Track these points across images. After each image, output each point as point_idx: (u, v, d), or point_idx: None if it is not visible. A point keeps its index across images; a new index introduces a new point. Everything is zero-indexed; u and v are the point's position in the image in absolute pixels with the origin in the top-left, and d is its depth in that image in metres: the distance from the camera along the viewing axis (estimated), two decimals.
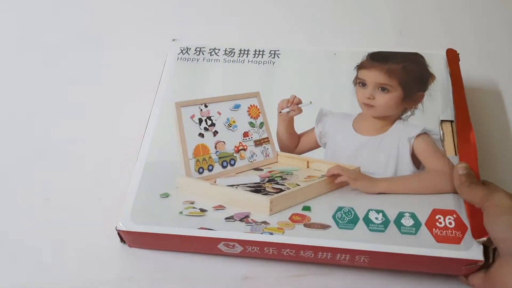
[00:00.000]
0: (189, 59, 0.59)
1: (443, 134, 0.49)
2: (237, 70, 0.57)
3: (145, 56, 0.67)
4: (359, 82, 0.54)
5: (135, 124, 0.54)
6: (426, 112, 0.51)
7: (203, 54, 0.59)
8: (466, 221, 0.43)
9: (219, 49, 0.59)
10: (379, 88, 0.53)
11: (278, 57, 0.58)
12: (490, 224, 0.40)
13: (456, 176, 0.44)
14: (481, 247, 0.42)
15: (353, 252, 0.44)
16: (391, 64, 0.54)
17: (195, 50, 0.59)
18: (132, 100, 0.62)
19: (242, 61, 0.58)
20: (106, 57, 0.69)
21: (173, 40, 0.61)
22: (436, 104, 0.52)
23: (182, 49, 0.60)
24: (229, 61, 0.58)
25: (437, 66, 0.54)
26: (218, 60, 0.58)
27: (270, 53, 0.59)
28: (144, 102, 0.56)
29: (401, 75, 0.53)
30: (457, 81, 0.52)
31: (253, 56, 0.58)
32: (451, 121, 0.51)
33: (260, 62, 0.58)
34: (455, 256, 0.42)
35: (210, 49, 0.60)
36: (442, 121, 0.50)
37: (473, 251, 0.42)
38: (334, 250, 0.44)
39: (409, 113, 0.52)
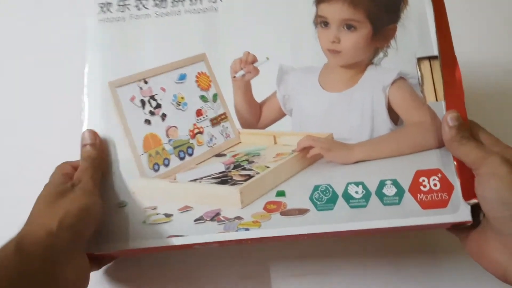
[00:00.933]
0: (112, 19, 0.48)
1: (421, 76, 0.43)
2: (173, 26, 0.47)
3: (62, 21, 0.56)
4: (321, 22, 0.45)
5: (67, 122, 0.46)
6: (400, 50, 0.44)
7: (128, 9, 0.48)
8: (452, 180, 0.40)
9: (147, 0, 0.48)
10: (344, 26, 0.44)
11: (221, 1, 0.48)
12: (483, 197, 0.37)
13: (446, 128, 0.39)
14: (469, 207, 0.39)
15: (336, 234, 0.41)
16: None
17: (118, 4, 0.48)
18: (59, 89, 0.53)
19: (178, 12, 0.48)
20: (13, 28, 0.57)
21: None
22: (412, 37, 0.44)
23: (101, 5, 0.48)
24: (161, 14, 0.48)
25: None
26: (148, 15, 0.48)
27: None
28: (74, 88, 0.47)
29: (368, 4, 0.45)
30: (438, 4, 0.44)
31: (190, 2, 0.48)
32: (430, 58, 0.44)
33: (200, 10, 0.47)
34: (442, 221, 0.40)
35: (136, 1, 0.48)
36: (419, 59, 0.44)
37: (460, 213, 0.39)
38: (316, 235, 0.41)
39: (381, 54, 0.45)
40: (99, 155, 0.42)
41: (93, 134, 0.43)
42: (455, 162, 0.40)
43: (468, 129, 0.39)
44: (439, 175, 0.41)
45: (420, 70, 0.44)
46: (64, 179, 0.41)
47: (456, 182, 0.40)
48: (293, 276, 0.46)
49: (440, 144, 0.41)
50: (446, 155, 0.41)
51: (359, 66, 0.45)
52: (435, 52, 0.43)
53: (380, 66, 0.44)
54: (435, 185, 0.40)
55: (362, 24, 0.44)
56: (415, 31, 0.44)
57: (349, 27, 0.44)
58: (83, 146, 0.42)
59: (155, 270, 0.48)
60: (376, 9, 0.45)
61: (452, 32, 0.43)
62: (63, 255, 0.36)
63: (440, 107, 0.42)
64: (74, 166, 0.43)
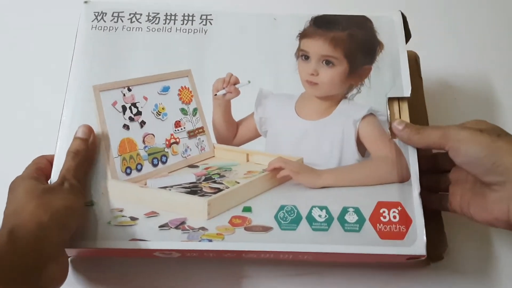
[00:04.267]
0: (105, 28, 0.50)
1: (390, 114, 0.46)
2: (163, 41, 0.49)
3: (53, 23, 0.58)
4: (302, 55, 0.48)
5: (47, 117, 0.46)
6: (373, 88, 0.48)
7: (122, 20, 0.50)
8: (410, 214, 0.42)
9: (140, 14, 0.51)
10: (323, 62, 0.48)
11: (211, 24, 0.50)
12: (462, 163, 0.40)
13: (399, 133, 0.43)
14: (424, 241, 0.41)
15: (296, 254, 0.42)
16: (336, 32, 0.49)
17: (112, 15, 0.50)
18: (42, 84, 0.54)
19: (169, 29, 0.50)
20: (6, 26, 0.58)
21: (85, 2, 0.51)
22: (384, 78, 0.48)
23: (96, 14, 0.50)
24: (153, 29, 0.50)
25: (386, 32, 0.49)
26: (140, 29, 0.50)
27: (201, 18, 0.51)
28: (57, 86, 0.48)
29: (347, 44, 0.48)
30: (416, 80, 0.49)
31: (182, 22, 0.50)
32: (399, 98, 0.47)
33: (190, 30, 0.50)
34: (398, 252, 0.41)
35: (130, 14, 0.51)
36: (389, 98, 0.47)
37: (416, 247, 0.41)
38: (277, 253, 0.42)
39: (355, 90, 0.48)
40: (86, 153, 0.42)
41: (88, 129, 0.43)
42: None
43: (414, 125, 0.43)
44: (399, 208, 0.43)
45: (389, 109, 0.47)
46: (38, 174, 0.41)
47: (415, 217, 0.42)
48: (289, 276, 0.46)
49: (403, 179, 0.44)
50: (407, 190, 0.43)
51: (333, 99, 0.47)
52: (404, 93, 0.47)
53: (353, 101, 0.47)
54: (394, 217, 0.42)
55: (340, 61, 0.48)
56: (387, 73, 0.48)
57: (328, 62, 0.47)
58: (75, 138, 0.43)
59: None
60: (354, 50, 0.48)
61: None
62: (51, 249, 0.36)
63: (405, 145, 0.45)
64: (49, 160, 0.43)
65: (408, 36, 0.50)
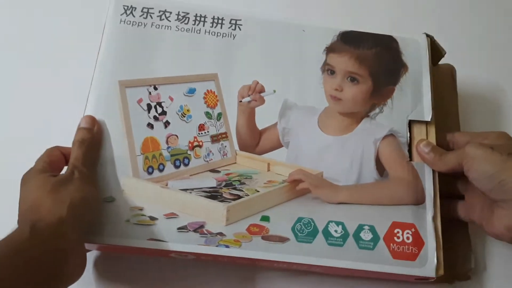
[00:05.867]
0: (134, 23, 0.50)
1: (411, 137, 0.47)
2: (191, 42, 0.49)
3: (81, 15, 0.57)
4: (328, 69, 0.49)
5: (70, 109, 0.46)
6: (395, 110, 0.48)
7: (151, 17, 0.50)
8: (423, 236, 0.43)
9: (170, 12, 0.50)
10: (348, 78, 0.48)
11: (240, 29, 0.51)
12: (473, 179, 0.41)
13: (424, 156, 0.45)
14: (434, 264, 0.42)
15: (310, 266, 0.43)
16: (363, 49, 0.49)
17: (142, 10, 0.50)
18: (67, 76, 0.53)
19: (198, 31, 0.50)
20: (33, 19, 0.58)
21: None
22: (406, 100, 0.49)
23: (125, 8, 0.50)
24: (182, 29, 0.50)
25: (411, 54, 0.50)
26: (169, 27, 0.50)
27: (230, 22, 0.51)
28: (81, 78, 0.47)
29: (373, 63, 0.49)
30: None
31: (211, 25, 0.50)
32: (426, 123, 0.48)
33: (218, 33, 0.50)
34: (409, 273, 0.42)
35: (160, 11, 0.50)
36: (411, 121, 0.48)
37: (426, 269, 0.42)
38: (291, 264, 0.43)
39: (377, 110, 0.48)
40: (92, 141, 0.42)
41: (92, 119, 0.44)
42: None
43: (438, 148, 0.45)
44: (413, 229, 0.44)
45: (411, 131, 0.48)
46: (50, 167, 0.41)
47: (427, 240, 0.43)
48: (293, 276, 0.47)
49: (418, 202, 0.45)
50: (422, 213, 0.44)
51: (356, 116, 0.48)
52: (425, 117, 0.48)
53: (375, 120, 0.48)
54: (407, 238, 0.43)
55: (364, 79, 0.48)
56: (410, 95, 0.49)
57: (353, 79, 0.48)
58: (78, 129, 0.43)
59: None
60: (379, 70, 0.49)
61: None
62: (71, 242, 0.36)
63: (422, 168, 0.46)
64: (63, 152, 0.43)
65: (439, 55, 0.51)
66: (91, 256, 0.47)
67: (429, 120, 0.48)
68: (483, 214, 0.43)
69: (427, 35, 0.52)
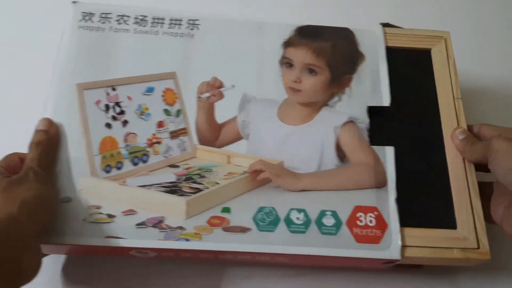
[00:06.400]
0: (92, 28, 0.50)
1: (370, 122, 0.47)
2: (150, 44, 0.50)
3: (39, 22, 0.58)
4: (286, 63, 0.49)
5: (28, 111, 0.46)
6: (353, 97, 0.49)
7: (109, 22, 0.51)
8: (386, 219, 0.43)
9: (128, 16, 0.51)
10: (307, 70, 0.49)
11: (198, 29, 0.51)
12: (495, 171, 0.42)
13: (457, 141, 0.46)
14: (399, 245, 0.42)
15: (273, 255, 0.42)
16: (320, 42, 0.50)
17: (100, 16, 0.51)
18: (24, 79, 0.54)
19: (156, 32, 0.51)
20: None
21: (73, 2, 0.52)
22: (364, 88, 0.49)
23: (84, 14, 0.51)
24: (140, 31, 0.51)
25: (367, 44, 0.51)
26: (127, 30, 0.51)
27: (188, 23, 0.52)
28: (39, 82, 0.47)
29: (330, 54, 0.50)
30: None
31: (169, 26, 0.51)
32: (454, 98, 0.49)
33: (177, 34, 0.51)
34: (373, 256, 0.42)
35: (118, 16, 0.51)
36: (445, 100, 0.49)
37: (391, 251, 0.42)
38: (253, 254, 0.42)
39: (336, 98, 0.49)
40: (48, 142, 0.42)
41: (48, 121, 0.44)
42: None
43: (473, 137, 0.45)
44: (376, 213, 0.43)
45: (447, 110, 0.48)
46: (6, 171, 0.40)
47: (390, 222, 0.43)
48: (288, 277, 0.47)
49: (380, 185, 0.44)
50: (384, 195, 0.44)
51: (315, 106, 0.48)
52: (383, 103, 0.48)
53: (334, 108, 0.48)
54: (370, 221, 0.43)
55: (322, 70, 0.49)
56: (368, 83, 0.49)
57: (311, 71, 0.49)
58: (35, 131, 0.43)
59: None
60: (336, 60, 0.50)
61: None
62: (24, 240, 0.35)
63: (383, 151, 0.46)
64: (21, 157, 0.43)
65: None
66: (58, 261, 0.46)
67: (389, 105, 0.48)
68: (505, 213, 0.43)
69: (383, 24, 0.53)
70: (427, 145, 0.48)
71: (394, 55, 0.51)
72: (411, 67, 0.52)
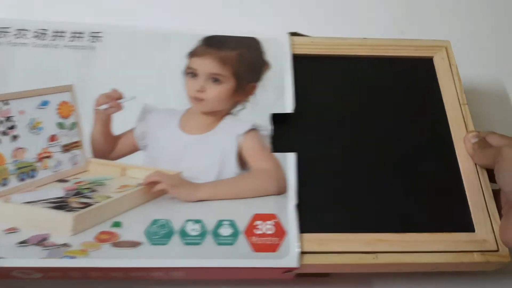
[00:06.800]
0: None
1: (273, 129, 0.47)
2: (48, 57, 0.48)
3: None
4: (190, 72, 0.49)
5: None
6: (257, 105, 0.48)
7: (6, 36, 0.49)
8: (285, 226, 0.42)
9: (28, 30, 0.50)
10: (211, 79, 0.48)
11: (100, 41, 0.50)
12: (498, 178, 0.41)
13: (469, 145, 0.46)
14: (297, 253, 0.40)
15: (167, 269, 0.40)
16: (226, 51, 0.50)
17: None
18: None
19: (55, 46, 0.49)
20: None
21: None
22: (269, 95, 0.49)
23: None
24: (39, 45, 0.49)
25: (273, 52, 0.51)
26: (25, 44, 0.49)
27: (90, 35, 0.51)
28: None
29: (236, 64, 0.49)
30: None
31: (70, 39, 0.50)
32: (460, 103, 0.50)
33: (77, 47, 0.50)
34: (270, 265, 0.40)
35: (17, 30, 0.50)
36: (452, 106, 0.50)
37: (288, 259, 0.40)
38: (146, 270, 0.40)
39: (240, 107, 0.48)
40: None
41: None
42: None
43: (485, 141, 0.45)
44: (274, 220, 0.42)
45: (453, 114, 0.49)
46: None
47: (289, 229, 0.41)
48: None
49: (280, 192, 0.43)
50: (284, 202, 0.43)
51: (218, 114, 0.47)
52: (287, 110, 0.48)
53: (237, 116, 0.47)
54: (269, 229, 0.42)
55: (227, 79, 0.48)
56: (272, 90, 0.49)
57: (215, 80, 0.48)
58: None
59: None
60: (242, 69, 0.49)
61: None
62: None
63: (284, 158, 0.45)
64: None
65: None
66: None
67: (292, 111, 0.47)
68: (502, 221, 0.43)
69: (291, 34, 0.53)
70: (437, 150, 0.48)
71: (398, 64, 0.53)
72: (414, 75, 0.52)
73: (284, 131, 0.47)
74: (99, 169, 0.45)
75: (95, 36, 0.51)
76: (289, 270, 0.41)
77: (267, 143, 0.46)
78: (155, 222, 0.41)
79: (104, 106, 0.46)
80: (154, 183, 0.43)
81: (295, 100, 0.48)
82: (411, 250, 0.42)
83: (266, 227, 0.42)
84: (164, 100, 0.48)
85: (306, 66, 0.51)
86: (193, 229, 0.41)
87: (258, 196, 0.43)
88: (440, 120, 0.49)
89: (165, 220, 0.41)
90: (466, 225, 0.43)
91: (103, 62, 0.49)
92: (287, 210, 0.42)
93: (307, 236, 0.42)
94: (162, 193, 0.43)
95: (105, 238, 0.40)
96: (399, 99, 0.51)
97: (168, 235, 0.41)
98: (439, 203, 0.45)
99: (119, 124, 0.46)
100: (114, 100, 0.47)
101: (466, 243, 0.42)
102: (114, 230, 0.40)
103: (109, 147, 0.45)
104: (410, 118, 0.50)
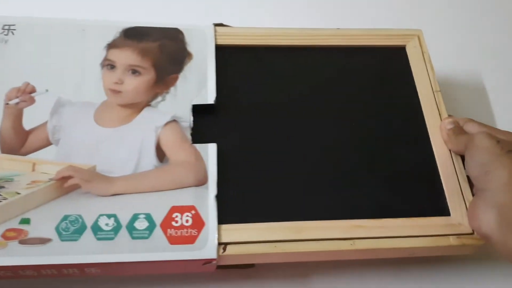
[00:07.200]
0: None
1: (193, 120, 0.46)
2: None
3: None
4: (108, 64, 0.47)
5: None
6: (178, 96, 0.47)
7: None
8: (204, 217, 0.41)
9: None
10: (130, 71, 0.47)
11: (13, 34, 0.48)
12: (467, 164, 0.42)
13: (444, 130, 0.47)
14: (215, 244, 0.40)
15: (80, 266, 0.39)
16: (147, 42, 0.49)
17: None
18: None
19: None
20: None
21: None
22: (190, 86, 0.48)
23: None
24: None
25: (196, 43, 0.50)
26: None
27: (3, 28, 0.48)
28: None
29: (157, 55, 0.48)
30: None
31: None
32: (433, 91, 0.50)
33: None
34: (188, 257, 0.40)
35: None
36: (425, 91, 0.50)
37: (206, 250, 0.40)
38: (58, 267, 0.38)
39: (159, 98, 0.47)
40: None
41: None
42: None
43: (460, 128, 0.46)
44: (193, 211, 0.41)
45: (431, 101, 0.50)
46: None
47: (208, 220, 0.41)
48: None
49: (200, 183, 0.43)
50: (204, 193, 0.42)
51: (136, 107, 0.46)
52: (209, 101, 0.47)
53: (157, 108, 0.47)
54: (187, 221, 0.41)
55: (147, 70, 0.47)
56: (194, 81, 0.48)
57: (134, 72, 0.47)
58: None
59: None
60: (163, 60, 0.48)
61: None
62: None
63: (205, 149, 0.44)
64: None
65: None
66: None
67: (214, 102, 0.47)
68: (468, 208, 0.43)
69: (216, 24, 0.53)
70: (412, 137, 0.48)
71: (369, 54, 0.53)
72: (387, 64, 0.53)
73: (207, 122, 0.47)
74: (7, 164, 0.43)
75: (7, 29, 0.48)
76: (208, 261, 0.40)
77: (188, 134, 0.45)
78: (65, 217, 0.40)
79: (15, 101, 0.44)
80: (66, 178, 0.41)
81: (224, 92, 0.48)
82: (388, 235, 0.42)
83: (184, 219, 0.41)
84: (80, 93, 0.46)
85: (231, 57, 0.51)
86: (106, 224, 0.40)
87: (177, 188, 0.43)
88: (414, 107, 0.50)
89: (76, 216, 0.40)
90: (442, 210, 0.44)
91: (15, 55, 0.47)
92: (207, 201, 0.42)
93: (228, 226, 0.41)
94: (74, 188, 0.42)
95: (12, 235, 0.38)
96: (372, 87, 0.51)
97: (79, 230, 0.39)
98: (415, 189, 0.45)
99: (31, 117, 0.45)
100: (26, 94, 0.45)
101: (442, 227, 0.43)
102: (22, 227, 0.39)
103: (19, 142, 0.43)
104: (384, 106, 0.50)
